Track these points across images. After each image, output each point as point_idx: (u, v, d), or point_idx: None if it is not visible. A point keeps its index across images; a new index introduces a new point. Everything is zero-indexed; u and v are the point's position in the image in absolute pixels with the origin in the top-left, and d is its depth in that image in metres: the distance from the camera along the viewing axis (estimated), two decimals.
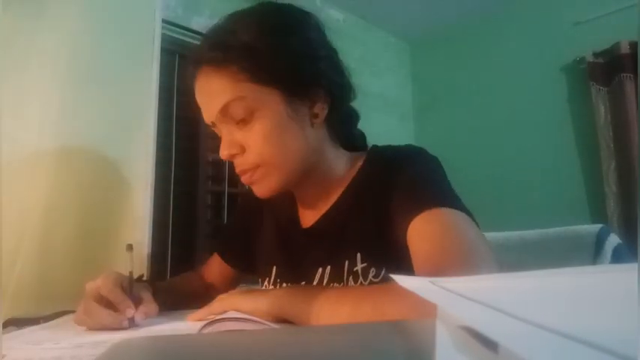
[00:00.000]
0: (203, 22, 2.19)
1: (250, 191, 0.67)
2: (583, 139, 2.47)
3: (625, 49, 2.31)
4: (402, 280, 0.25)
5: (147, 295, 0.61)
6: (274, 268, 0.72)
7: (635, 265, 0.19)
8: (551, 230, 0.95)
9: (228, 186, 2.23)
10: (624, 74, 2.30)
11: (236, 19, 0.62)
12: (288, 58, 0.60)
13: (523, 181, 2.60)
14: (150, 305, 0.58)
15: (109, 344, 0.24)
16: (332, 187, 0.68)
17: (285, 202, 0.74)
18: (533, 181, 2.57)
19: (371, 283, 0.59)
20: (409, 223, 0.54)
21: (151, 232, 1.12)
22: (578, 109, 2.50)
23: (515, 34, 2.76)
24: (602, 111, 2.37)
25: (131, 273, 0.62)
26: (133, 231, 1.07)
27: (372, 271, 0.60)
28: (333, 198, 0.68)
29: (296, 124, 0.60)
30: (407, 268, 0.53)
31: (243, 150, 0.60)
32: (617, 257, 0.83)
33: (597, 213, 2.35)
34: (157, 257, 1.34)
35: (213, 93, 0.59)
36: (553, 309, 0.16)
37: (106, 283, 0.58)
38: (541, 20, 2.66)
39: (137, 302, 0.58)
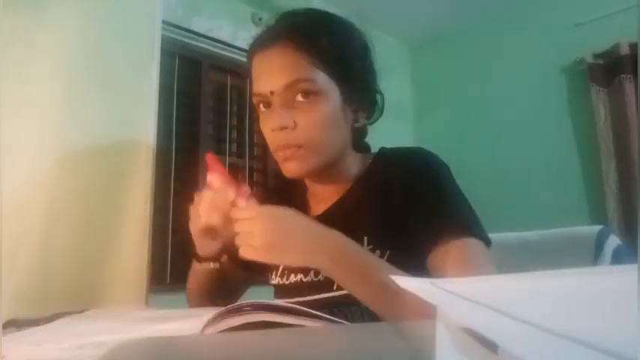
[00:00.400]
0: (203, 22, 2.19)
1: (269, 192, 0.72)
2: (583, 140, 2.47)
3: (625, 50, 2.32)
4: (401, 280, 0.25)
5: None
6: None
7: (635, 266, 0.19)
8: (551, 231, 0.95)
9: None
10: (624, 75, 2.31)
11: (330, 16, 0.70)
12: (361, 69, 0.69)
13: (523, 182, 2.60)
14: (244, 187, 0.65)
15: (111, 344, 0.24)
16: (344, 182, 0.73)
17: (296, 193, 0.78)
18: (533, 181, 2.57)
19: None
20: (431, 249, 0.59)
21: (151, 232, 1.12)
22: (578, 110, 2.50)
23: (515, 36, 2.76)
24: (602, 112, 2.37)
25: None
26: (133, 231, 1.07)
27: (377, 253, 0.63)
28: (343, 191, 0.73)
29: (343, 122, 0.68)
30: (407, 253, 0.59)
31: (294, 126, 0.64)
32: (617, 258, 0.83)
33: (597, 213, 2.35)
34: (156, 258, 1.34)
35: (287, 66, 0.63)
36: (552, 310, 0.16)
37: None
38: (541, 21, 2.66)
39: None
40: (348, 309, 0.64)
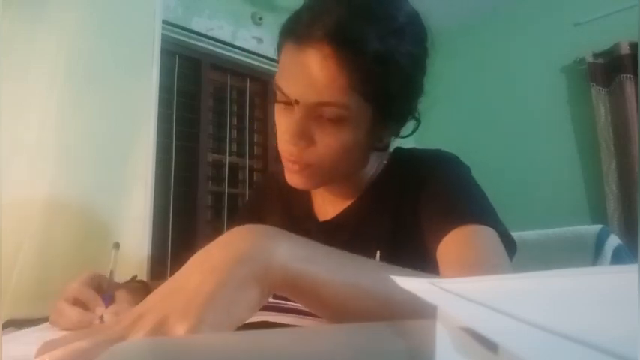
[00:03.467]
0: (203, 22, 2.19)
1: (270, 177, 0.68)
2: (583, 139, 2.47)
3: (625, 49, 2.32)
4: (401, 280, 0.25)
5: (122, 295, 0.60)
6: None
7: (635, 266, 0.19)
8: (551, 231, 0.95)
9: (228, 186, 2.23)
10: (624, 75, 2.31)
11: (391, 3, 0.55)
12: (408, 90, 0.57)
13: (523, 182, 2.60)
14: (122, 304, 0.58)
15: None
16: (356, 185, 0.67)
17: (300, 193, 0.71)
18: (533, 181, 2.57)
19: None
20: (441, 238, 0.52)
21: (151, 232, 1.12)
22: (578, 110, 2.50)
23: (516, 35, 2.76)
24: (602, 111, 2.37)
25: (111, 272, 0.62)
26: (133, 231, 1.07)
27: None
28: (356, 195, 0.67)
29: (368, 142, 0.59)
30: (419, 267, 0.53)
31: (310, 143, 0.56)
32: (617, 258, 0.83)
33: (597, 213, 2.35)
34: (156, 258, 1.34)
35: (323, 82, 0.52)
36: (553, 310, 0.16)
37: (77, 283, 0.59)
38: (541, 21, 2.66)
39: (111, 302, 0.58)
40: None
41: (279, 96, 0.57)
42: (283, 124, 0.57)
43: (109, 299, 0.58)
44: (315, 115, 0.54)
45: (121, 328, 0.31)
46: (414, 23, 0.58)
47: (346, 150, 0.56)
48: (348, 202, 0.68)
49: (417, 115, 0.64)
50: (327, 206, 0.70)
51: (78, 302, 0.57)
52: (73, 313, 0.55)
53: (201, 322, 0.30)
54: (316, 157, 0.56)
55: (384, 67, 0.52)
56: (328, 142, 0.55)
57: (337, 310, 0.36)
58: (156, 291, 0.34)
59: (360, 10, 0.52)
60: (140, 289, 0.68)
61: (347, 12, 0.52)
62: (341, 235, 0.65)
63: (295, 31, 0.54)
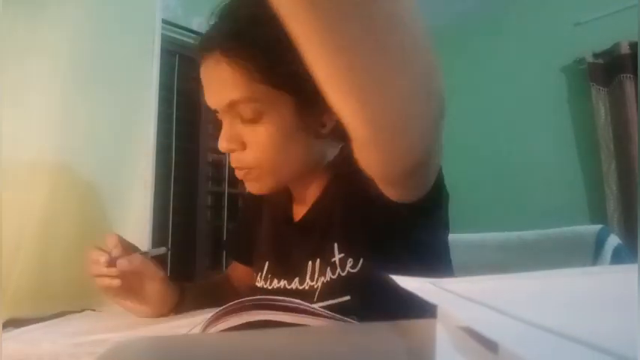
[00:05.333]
0: (203, 22, 2.19)
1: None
2: (583, 139, 2.47)
3: (625, 49, 2.31)
4: (401, 280, 0.25)
5: (137, 256, 0.64)
6: (266, 263, 0.70)
7: (635, 266, 0.19)
8: (551, 231, 0.95)
9: (228, 186, 2.23)
10: (624, 75, 2.31)
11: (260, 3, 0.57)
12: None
13: (523, 182, 2.60)
14: (136, 257, 0.63)
15: (109, 343, 0.24)
16: (321, 177, 0.66)
17: (281, 197, 0.72)
18: (533, 181, 2.57)
19: (349, 273, 0.57)
20: None
21: (151, 232, 1.12)
22: (578, 110, 2.50)
23: (515, 35, 2.76)
24: (602, 111, 2.37)
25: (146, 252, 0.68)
26: (133, 231, 1.07)
27: (350, 262, 0.57)
28: (320, 189, 0.66)
29: (302, 133, 0.58)
30: (386, 260, 0.52)
31: (243, 147, 0.58)
32: (617, 258, 0.83)
33: (597, 213, 2.35)
34: (156, 257, 1.34)
35: (224, 84, 0.55)
36: (553, 310, 0.16)
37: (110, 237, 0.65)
38: (541, 21, 2.66)
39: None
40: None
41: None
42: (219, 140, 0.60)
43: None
44: (236, 118, 0.57)
45: None
46: None
47: (277, 143, 0.57)
48: (314, 198, 0.66)
49: None
50: (300, 205, 0.69)
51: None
52: (97, 254, 0.62)
53: None
54: (252, 159, 0.58)
55: (280, 54, 0.50)
56: (256, 141, 0.57)
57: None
58: None
59: (239, 17, 0.57)
60: (187, 290, 0.73)
61: (228, 22, 0.57)
62: (311, 233, 0.64)
63: (201, 46, 0.58)
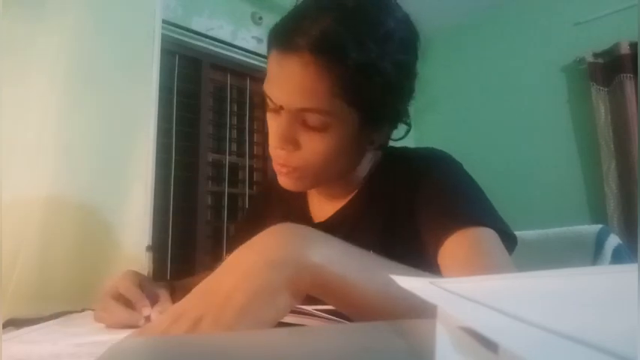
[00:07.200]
0: (203, 22, 2.19)
1: (270, 181, 0.68)
2: (583, 139, 2.47)
3: (625, 49, 2.31)
4: (401, 280, 0.25)
5: (164, 294, 0.62)
6: None
7: (635, 266, 0.19)
8: (551, 230, 0.95)
9: (228, 186, 2.23)
10: (624, 74, 2.31)
11: (377, 10, 0.54)
12: (390, 90, 0.55)
13: (523, 182, 2.60)
14: (166, 304, 0.59)
15: (109, 344, 0.24)
16: (350, 185, 0.68)
17: (296, 195, 0.72)
18: (533, 181, 2.57)
19: None
20: (442, 241, 0.52)
21: (151, 232, 1.12)
22: (578, 109, 2.50)
23: (515, 35, 2.76)
24: (602, 111, 2.37)
25: (149, 273, 0.63)
26: (133, 231, 1.07)
27: None
28: (349, 194, 0.68)
29: (355, 146, 0.59)
30: (417, 263, 0.53)
31: (296, 148, 0.57)
32: (617, 257, 0.83)
33: (597, 213, 2.35)
34: (156, 258, 1.34)
35: (303, 89, 0.53)
36: (553, 309, 0.16)
37: (124, 281, 0.60)
38: (541, 20, 2.66)
39: (154, 301, 0.59)
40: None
41: (268, 102, 0.58)
42: (272, 129, 0.59)
43: (152, 298, 0.59)
44: (300, 120, 0.56)
45: (164, 328, 0.34)
46: (403, 29, 0.57)
47: (332, 154, 0.57)
48: (342, 202, 0.68)
49: (406, 119, 0.63)
50: (322, 207, 0.70)
51: (121, 299, 0.58)
52: (122, 313, 0.56)
53: (231, 330, 0.32)
54: (303, 161, 0.58)
55: (365, 74, 0.52)
56: (313, 147, 0.56)
57: (365, 310, 0.37)
58: (192, 292, 0.36)
59: (345, 18, 0.52)
60: (178, 287, 0.69)
61: (330, 20, 0.52)
62: (335, 235, 0.64)
63: (280, 39, 0.55)
